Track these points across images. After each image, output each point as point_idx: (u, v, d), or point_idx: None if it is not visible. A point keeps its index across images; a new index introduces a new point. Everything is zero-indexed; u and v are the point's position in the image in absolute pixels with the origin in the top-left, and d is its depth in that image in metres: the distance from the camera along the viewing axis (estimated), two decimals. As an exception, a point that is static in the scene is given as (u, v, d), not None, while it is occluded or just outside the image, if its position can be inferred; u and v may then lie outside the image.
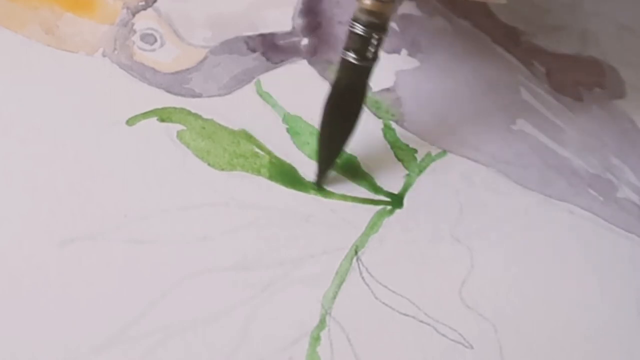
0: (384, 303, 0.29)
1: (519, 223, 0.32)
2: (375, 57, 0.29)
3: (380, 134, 0.34)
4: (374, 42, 0.29)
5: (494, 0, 0.32)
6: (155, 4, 0.35)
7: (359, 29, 0.29)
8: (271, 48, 0.35)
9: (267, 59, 0.34)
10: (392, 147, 0.33)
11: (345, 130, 0.31)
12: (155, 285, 0.28)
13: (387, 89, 0.35)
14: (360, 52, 0.29)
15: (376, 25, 0.29)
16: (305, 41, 0.35)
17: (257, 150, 0.32)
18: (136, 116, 0.32)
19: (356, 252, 0.30)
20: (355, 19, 0.29)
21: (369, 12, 0.29)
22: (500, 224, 0.32)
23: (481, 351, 0.29)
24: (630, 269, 0.32)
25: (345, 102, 0.30)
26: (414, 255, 0.31)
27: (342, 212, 0.31)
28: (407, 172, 0.33)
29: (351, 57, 0.29)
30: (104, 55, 0.34)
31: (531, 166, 0.34)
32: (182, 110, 0.32)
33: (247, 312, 0.28)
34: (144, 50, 0.34)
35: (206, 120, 0.32)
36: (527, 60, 0.37)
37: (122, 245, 0.29)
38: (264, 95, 0.34)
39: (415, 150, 0.33)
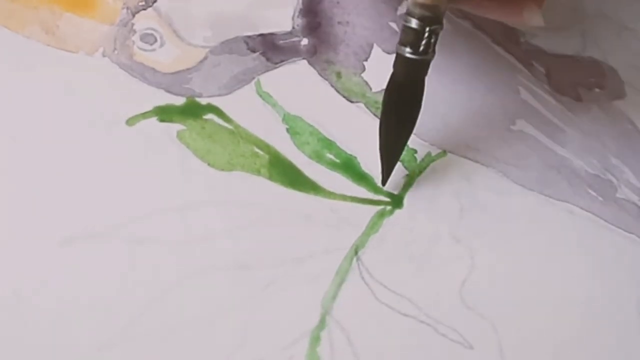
0: (384, 303, 0.29)
1: (519, 223, 0.32)
2: (428, 51, 0.29)
3: (380, 134, 0.34)
4: (428, 35, 0.29)
5: (529, 25, 0.31)
6: (156, 4, 0.35)
7: (413, 23, 0.29)
8: (271, 48, 0.35)
9: (267, 59, 0.34)
10: (392, 147, 0.33)
11: (407, 126, 0.31)
12: (156, 284, 0.28)
13: (387, 89, 0.35)
14: (415, 46, 0.29)
15: (429, 18, 0.29)
16: (305, 41, 0.35)
17: (257, 150, 0.32)
18: (136, 116, 0.32)
19: (356, 252, 0.30)
20: (408, 13, 0.29)
21: (422, 6, 0.28)
22: (500, 224, 0.32)
23: (481, 351, 0.29)
24: (630, 269, 0.32)
25: (403, 98, 0.30)
26: (414, 256, 0.31)
27: (342, 212, 0.31)
28: (407, 172, 0.33)
29: (406, 51, 0.29)
30: (104, 55, 0.33)
31: (531, 166, 0.34)
32: (182, 110, 0.32)
33: (246, 312, 0.28)
34: (144, 50, 0.34)
35: (206, 120, 0.32)
36: (527, 60, 0.37)
37: (122, 244, 0.29)
38: (263, 95, 0.34)
39: (415, 151, 0.33)
